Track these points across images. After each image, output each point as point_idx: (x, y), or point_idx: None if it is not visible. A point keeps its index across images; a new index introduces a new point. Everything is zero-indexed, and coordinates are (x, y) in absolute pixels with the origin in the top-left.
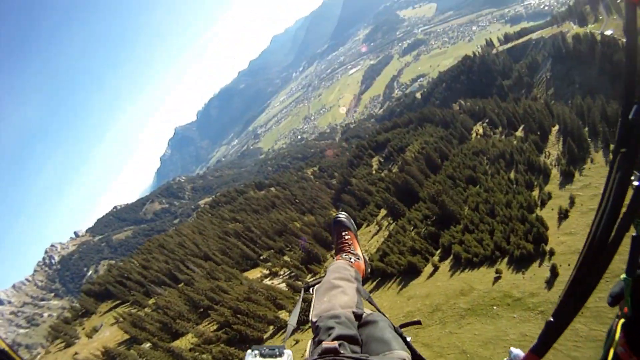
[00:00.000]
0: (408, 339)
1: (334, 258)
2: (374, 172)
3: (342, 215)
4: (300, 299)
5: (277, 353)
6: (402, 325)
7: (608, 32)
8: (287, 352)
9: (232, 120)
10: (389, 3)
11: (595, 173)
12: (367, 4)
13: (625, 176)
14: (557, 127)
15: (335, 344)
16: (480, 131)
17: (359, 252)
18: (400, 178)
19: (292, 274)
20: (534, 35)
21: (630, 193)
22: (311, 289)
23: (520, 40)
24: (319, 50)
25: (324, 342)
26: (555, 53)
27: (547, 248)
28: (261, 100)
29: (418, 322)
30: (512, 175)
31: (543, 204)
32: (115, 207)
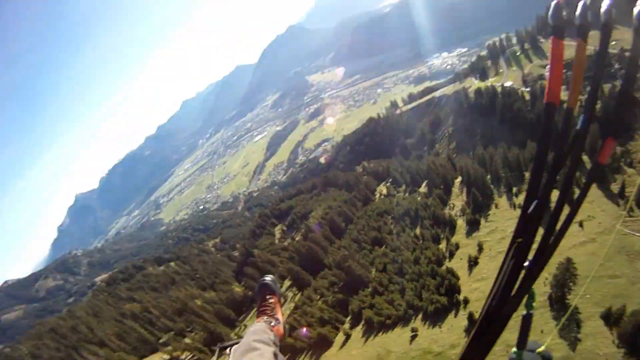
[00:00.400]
0: None
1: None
2: (277, 241)
3: (269, 278)
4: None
5: None
6: None
7: (508, 84)
8: None
9: (135, 189)
10: (299, 69)
11: (501, 217)
12: (278, 70)
13: (518, 263)
14: (459, 179)
15: None
16: (384, 191)
17: (279, 316)
18: (305, 246)
19: (195, 357)
20: (437, 93)
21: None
22: (228, 349)
23: (424, 99)
24: (227, 117)
25: None
26: (458, 108)
27: (461, 297)
28: (166, 168)
29: None
30: (417, 231)
31: (452, 255)
32: (6, 282)
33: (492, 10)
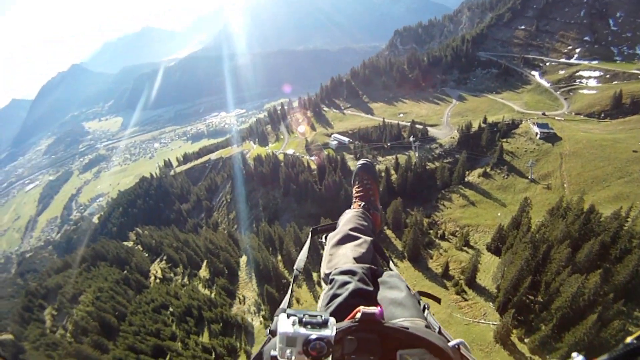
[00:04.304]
0: (426, 307)
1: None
2: (48, 331)
3: (368, 161)
4: (309, 242)
5: (321, 321)
6: (421, 293)
7: (290, 152)
8: (331, 321)
9: None
10: (77, 112)
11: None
12: (54, 110)
13: None
14: (245, 258)
15: (376, 309)
16: (159, 273)
17: (378, 204)
18: (72, 351)
19: None
20: (213, 156)
21: None
22: (323, 236)
23: (200, 161)
24: None
25: (362, 307)
26: (235, 174)
27: None
28: None
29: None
30: (205, 338)
31: None
32: None
33: (272, 75)
